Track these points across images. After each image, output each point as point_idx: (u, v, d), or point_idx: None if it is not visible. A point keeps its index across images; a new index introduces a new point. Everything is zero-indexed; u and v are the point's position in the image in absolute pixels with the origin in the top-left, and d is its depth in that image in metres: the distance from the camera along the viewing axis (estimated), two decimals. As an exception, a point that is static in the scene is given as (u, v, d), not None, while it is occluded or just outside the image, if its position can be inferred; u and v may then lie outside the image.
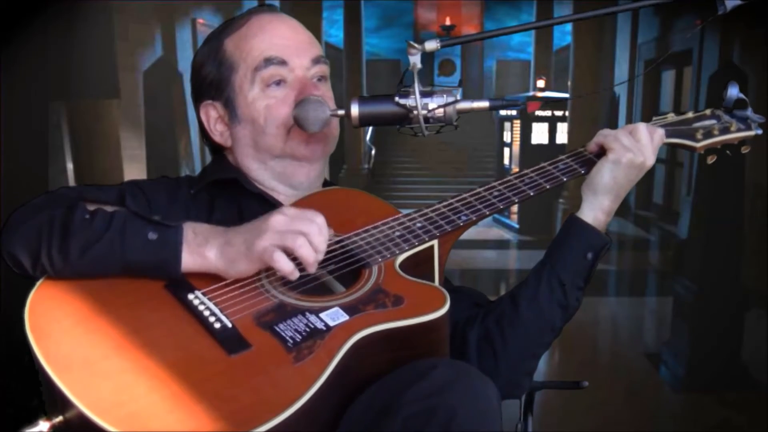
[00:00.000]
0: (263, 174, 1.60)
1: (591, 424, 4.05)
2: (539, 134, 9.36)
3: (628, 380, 4.83)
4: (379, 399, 1.17)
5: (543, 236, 7.73)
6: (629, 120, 7.57)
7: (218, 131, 1.62)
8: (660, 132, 1.56)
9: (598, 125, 7.66)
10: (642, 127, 1.54)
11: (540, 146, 9.25)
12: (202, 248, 1.30)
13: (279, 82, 1.56)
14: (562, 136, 9.08)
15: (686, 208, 6.01)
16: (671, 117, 1.65)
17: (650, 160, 1.52)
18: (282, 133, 1.55)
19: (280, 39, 1.58)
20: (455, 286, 1.63)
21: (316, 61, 1.59)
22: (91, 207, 1.35)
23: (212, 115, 1.62)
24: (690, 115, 1.66)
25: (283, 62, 1.56)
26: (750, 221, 4.98)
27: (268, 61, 1.55)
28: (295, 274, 1.27)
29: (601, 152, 1.54)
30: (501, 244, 8.90)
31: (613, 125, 7.62)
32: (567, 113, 8.78)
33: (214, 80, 1.60)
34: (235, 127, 1.59)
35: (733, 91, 1.65)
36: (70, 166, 5.11)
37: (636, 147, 1.51)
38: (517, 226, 9.05)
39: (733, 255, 5.07)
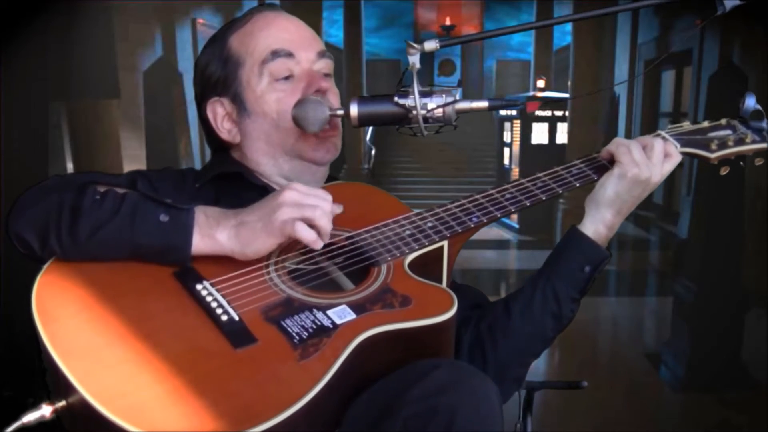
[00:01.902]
0: (271, 169, 1.61)
1: (591, 424, 4.05)
2: (539, 134, 9.35)
3: (628, 380, 4.83)
4: (381, 398, 1.17)
5: (543, 236, 7.72)
6: (629, 120, 7.55)
7: (226, 129, 1.62)
8: (676, 158, 1.54)
9: (598, 125, 7.66)
10: (658, 147, 1.52)
11: (540, 146, 9.24)
12: (213, 231, 1.30)
13: (287, 78, 1.57)
14: (562, 136, 9.06)
15: (686, 208, 6.00)
16: (686, 126, 1.63)
17: (656, 177, 1.51)
18: (296, 129, 1.55)
19: (286, 33, 1.59)
20: (458, 284, 1.64)
21: (321, 54, 1.61)
22: (102, 188, 1.34)
23: (219, 112, 1.62)
24: (705, 124, 1.64)
25: (290, 54, 1.57)
26: (750, 221, 4.98)
27: (275, 54, 1.56)
28: (319, 243, 1.30)
29: (614, 160, 1.53)
30: (501, 244, 8.88)
31: (613, 125, 7.61)
32: (567, 113, 8.77)
33: (220, 77, 1.60)
34: (244, 121, 1.60)
35: (750, 102, 1.63)
36: (70, 166, 5.11)
37: (645, 163, 1.50)
38: (517, 226, 9.03)
39: (733, 255, 5.06)
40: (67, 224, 1.28)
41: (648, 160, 1.50)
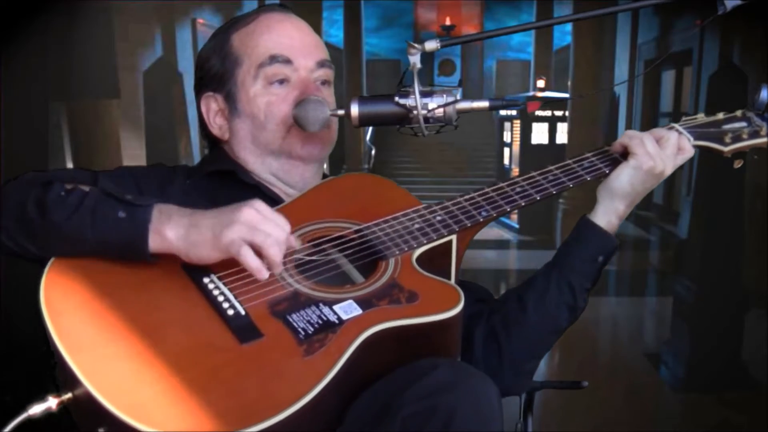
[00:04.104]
0: (260, 168, 1.61)
1: (591, 424, 4.05)
2: (539, 134, 9.34)
3: (628, 380, 4.82)
4: (380, 398, 1.17)
5: (543, 236, 7.71)
6: (629, 120, 7.55)
7: (217, 124, 1.63)
8: (689, 152, 1.54)
9: (598, 125, 7.65)
10: (673, 139, 1.52)
11: (540, 146, 9.23)
12: (163, 226, 1.27)
13: (282, 81, 1.57)
14: (562, 136, 9.05)
15: (686, 208, 6.00)
16: (701, 118, 1.62)
17: (669, 170, 1.52)
18: (281, 129, 1.56)
19: (287, 38, 1.59)
20: (461, 280, 1.64)
21: (321, 64, 1.60)
22: (69, 186, 1.34)
23: (212, 107, 1.63)
24: (720, 116, 1.62)
25: (287, 61, 1.56)
26: (750, 221, 4.97)
27: (273, 59, 1.56)
28: (263, 274, 1.25)
29: (626, 153, 1.53)
30: (501, 244, 8.88)
31: (613, 125, 7.61)
32: (567, 113, 8.77)
33: (217, 73, 1.61)
34: (234, 120, 1.60)
35: (765, 94, 1.62)
36: (70, 166, 5.10)
37: (659, 156, 1.50)
38: (517, 226, 9.03)
39: (733, 255, 5.06)
40: (36, 221, 1.29)
41: (662, 152, 1.50)
